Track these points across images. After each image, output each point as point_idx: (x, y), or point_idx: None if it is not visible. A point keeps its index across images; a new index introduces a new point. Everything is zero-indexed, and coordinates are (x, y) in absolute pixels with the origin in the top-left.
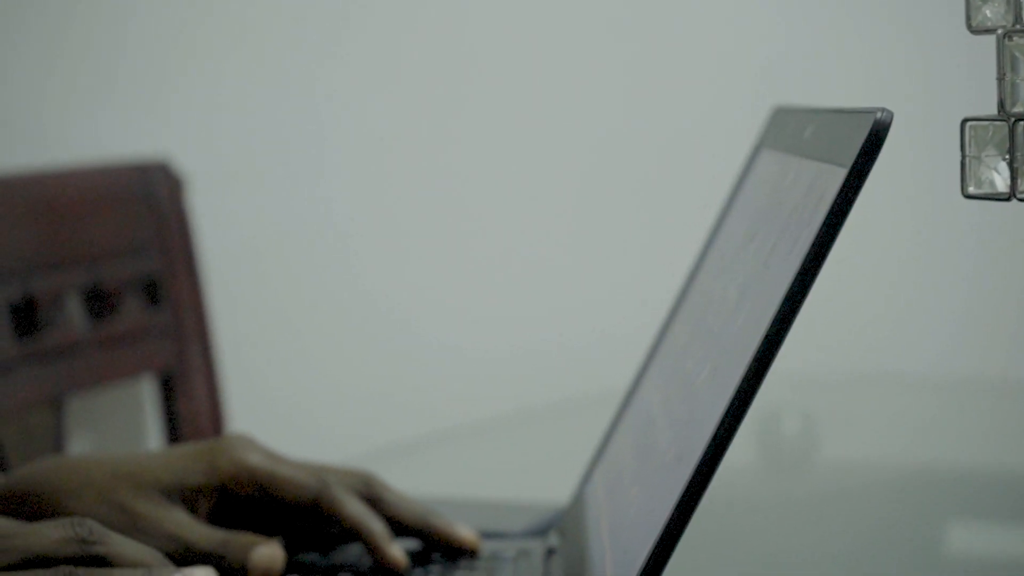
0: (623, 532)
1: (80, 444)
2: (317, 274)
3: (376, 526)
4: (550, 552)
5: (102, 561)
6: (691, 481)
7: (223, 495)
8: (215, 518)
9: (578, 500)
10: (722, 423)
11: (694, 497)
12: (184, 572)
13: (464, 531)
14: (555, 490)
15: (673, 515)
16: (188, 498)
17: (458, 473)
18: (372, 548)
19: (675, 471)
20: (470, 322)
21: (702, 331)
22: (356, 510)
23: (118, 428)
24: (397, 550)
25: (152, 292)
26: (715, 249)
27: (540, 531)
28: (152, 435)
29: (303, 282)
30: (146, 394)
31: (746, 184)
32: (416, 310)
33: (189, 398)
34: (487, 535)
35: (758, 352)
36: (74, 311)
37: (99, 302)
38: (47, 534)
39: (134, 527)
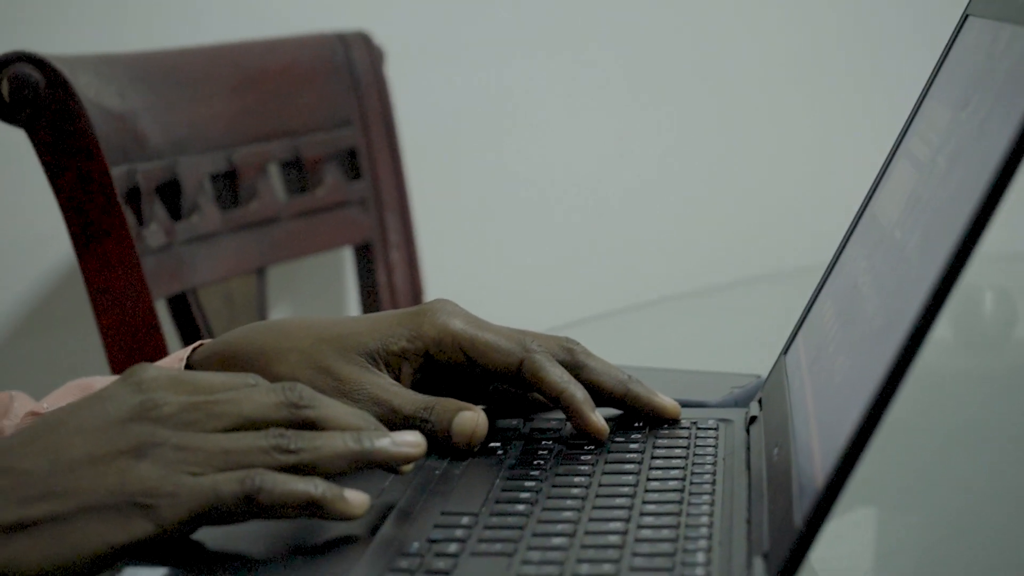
0: (828, 399)
1: (281, 312)
2: (514, 146)
3: (579, 393)
4: (752, 420)
5: (312, 426)
6: (903, 348)
7: (427, 361)
8: (418, 384)
9: (779, 369)
10: (935, 289)
11: (905, 364)
12: (393, 436)
13: (665, 400)
14: (754, 361)
15: (884, 381)
16: (392, 363)
17: (659, 343)
18: (574, 415)
19: (884, 338)
20: (670, 196)
21: (911, 199)
22: (559, 376)
23: (318, 297)
24: (599, 417)
25: (352, 164)
26: (923, 117)
27: (740, 400)
28: (351, 304)
29: (500, 154)
30: (346, 264)
31: (955, 52)
32: (616, 181)
33: (387, 268)
34: (687, 404)
35: (973, 217)
36: (276, 183)
37: (300, 174)
38: (259, 399)
39: (338, 390)
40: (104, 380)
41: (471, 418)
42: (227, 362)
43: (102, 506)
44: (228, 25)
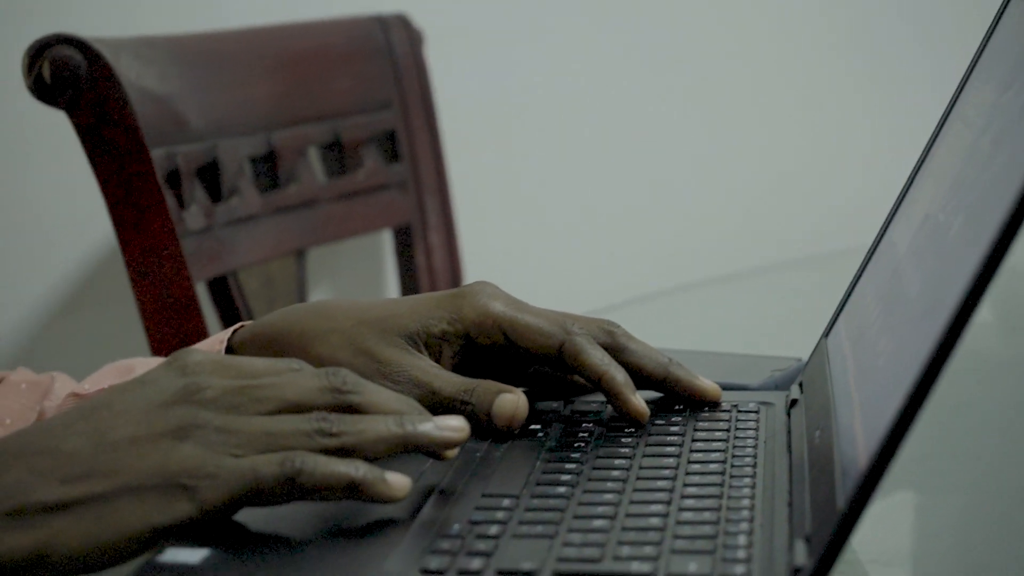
0: (871, 382)
1: (321, 294)
2: (553, 128)
3: (619, 375)
4: (793, 403)
5: (355, 411)
6: (946, 331)
7: (467, 343)
8: (458, 367)
9: (820, 352)
10: (978, 272)
11: (948, 347)
12: (436, 420)
13: (706, 382)
14: (795, 344)
15: (927, 365)
16: (432, 345)
17: (699, 326)
18: (615, 397)
19: (927, 322)
20: (710, 179)
21: (954, 181)
22: (599, 359)
23: (357, 279)
24: (640, 400)
25: (391, 147)
26: (965, 100)
27: (781, 383)
28: (390, 287)
29: (539, 136)
30: (385, 246)
31: (999, 34)
32: (657, 163)
33: (426, 250)
34: (728, 387)
35: (1017, 199)
36: (315, 165)
37: (340, 156)
38: (302, 383)
39: (379, 372)
40: (144, 362)
41: (511, 400)
42: (268, 344)
43: (144, 487)
44: (268, 7)
